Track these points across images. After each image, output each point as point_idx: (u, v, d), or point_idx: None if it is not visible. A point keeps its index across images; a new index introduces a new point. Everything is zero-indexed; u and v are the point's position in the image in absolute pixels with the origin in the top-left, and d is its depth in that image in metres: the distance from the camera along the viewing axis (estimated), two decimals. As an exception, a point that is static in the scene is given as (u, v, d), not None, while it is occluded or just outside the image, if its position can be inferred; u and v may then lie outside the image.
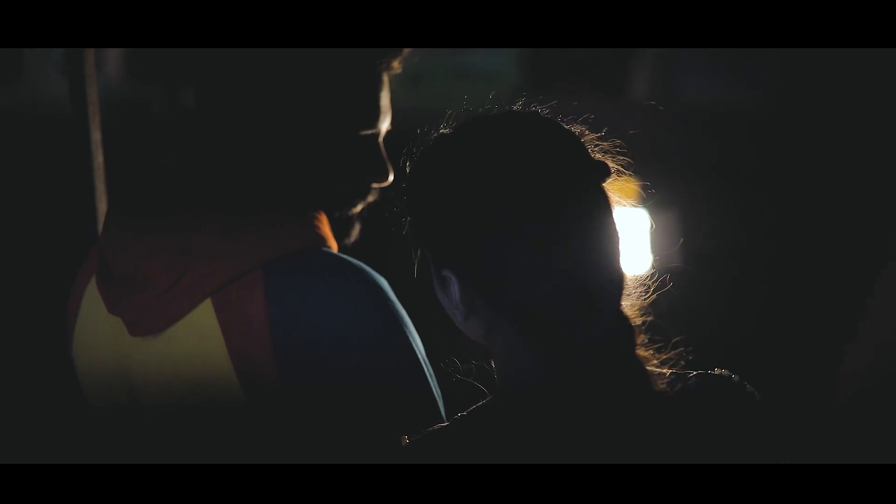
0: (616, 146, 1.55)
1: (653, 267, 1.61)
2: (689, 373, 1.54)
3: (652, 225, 1.78)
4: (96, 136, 2.14)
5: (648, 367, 1.51)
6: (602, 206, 1.51)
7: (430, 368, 1.70)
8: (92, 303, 1.81)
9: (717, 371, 1.55)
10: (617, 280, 1.51)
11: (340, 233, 1.83)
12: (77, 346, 1.85)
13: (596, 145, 1.55)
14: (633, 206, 1.61)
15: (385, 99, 1.80)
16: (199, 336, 1.67)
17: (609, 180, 1.53)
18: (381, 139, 1.81)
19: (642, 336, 1.53)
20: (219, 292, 1.66)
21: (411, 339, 1.69)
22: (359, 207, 1.83)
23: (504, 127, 1.53)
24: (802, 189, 4.69)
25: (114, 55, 8.29)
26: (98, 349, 1.79)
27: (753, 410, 1.54)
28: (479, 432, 1.51)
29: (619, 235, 1.52)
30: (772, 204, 4.71)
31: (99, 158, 2.15)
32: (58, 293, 2.03)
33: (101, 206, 2.17)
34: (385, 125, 1.81)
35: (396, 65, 1.80)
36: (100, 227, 2.17)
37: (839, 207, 4.57)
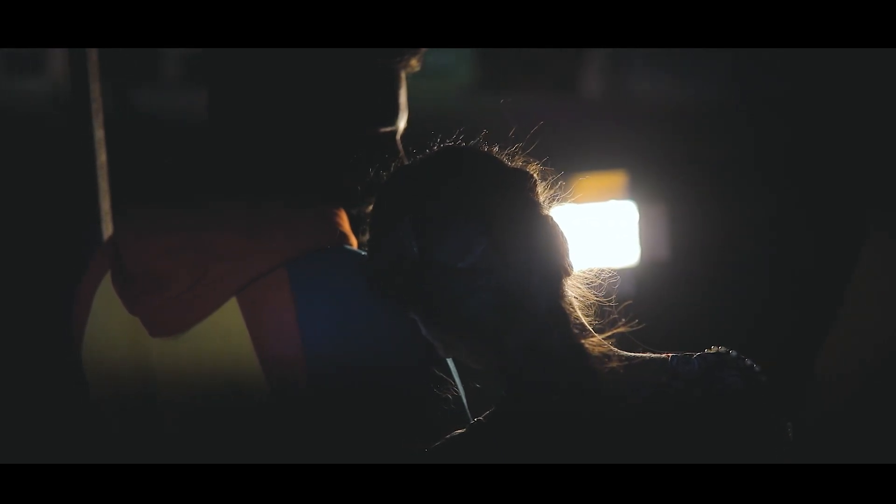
0: (528, 153, 1.62)
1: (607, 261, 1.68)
2: (692, 355, 1.60)
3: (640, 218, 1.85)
4: (99, 134, 2.12)
5: (593, 351, 1.57)
6: (526, 210, 1.60)
7: (454, 366, 1.72)
8: (105, 303, 1.78)
9: (714, 349, 1.60)
10: (551, 277, 1.59)
11: (355, 230, 1.83)
12: (88, 346, 1.82)
13: (513, 157, 1.63)
14: (618, 199, 1.65)
15: (403, 97, 1.81)
16: (224, 336, 1.65)
17: (532, 184, 1.61)
18: (398, 136, 1.82)
19: (580, 324, 1.59)
20: (243, 291, 1.65)
21: None
22: (372, 207, 1.81)
23: (409, 177, 1.64)
24: (771, 182, 4.73)
25: (60, 53, 8.16)
26: (114, 350, 1.77)
27: (756, 389, 1.59)
28: (477, 441, 1.58)
29: (554, 234, 1.60)
30: (743, 197, 4.75)
31: (102, 157, 2.13)
32: (61, 292, 2.03)
33: (105, 204, 2.15)
34: (403, 122, 1.82)
35: (415, 63, 1.81)
36: (104, 225, 2.17)
37: (810, 199, 4.61)
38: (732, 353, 1.60)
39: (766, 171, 4.80)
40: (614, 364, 1.57)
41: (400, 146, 1.82)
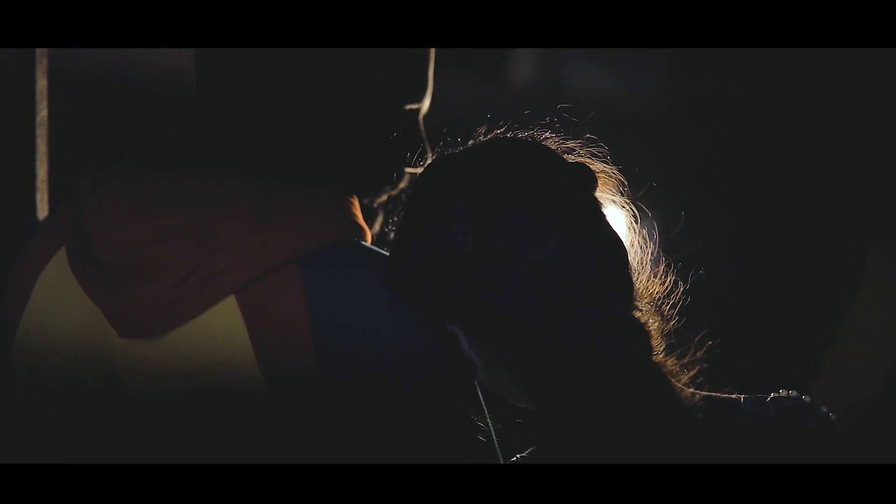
0: (594, 151, 1.58)
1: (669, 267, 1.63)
2: (765, 397, 1.58)
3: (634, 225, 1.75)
4: (42, 83, 1.84)
5: (668, 372, 1.53)
6: (594, 208, 1.55)
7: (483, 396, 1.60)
8: (52, 291, 1.61)
9: (786, 393, 1.59)
10: (626, 283, 1.53)
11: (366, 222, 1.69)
12: (25, 342, 1.65)
13: (576, 154, 1.59)
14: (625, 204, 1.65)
15: (432, 70, 1.69)
16: (217, 339, 1.50)
17: (594, 183, 1.56)
18: (421, 117, 1.70)
19: (660, 340, 1.55)
20: (246, 289, 1.49)
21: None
22: (385, 196, 1.71)
23: (459, 165, 1.56)
24: (727, 184, 4.63)
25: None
26: (63, 349, 1.61)
27: (833, 438, 1.57)
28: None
29: (620, 237, 1.56)
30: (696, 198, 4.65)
31: (43, 112, 1.86)
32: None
33: (42, 170, 1.89)
34: (427, 102, 1.70)
35: None
36: (39, 197, 1.93)
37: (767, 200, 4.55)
38: (806, 398, 1.59)
39: (718, 173, 4.70)
40: (693, 394, 1.52)
41: (422, 128, 1.69)
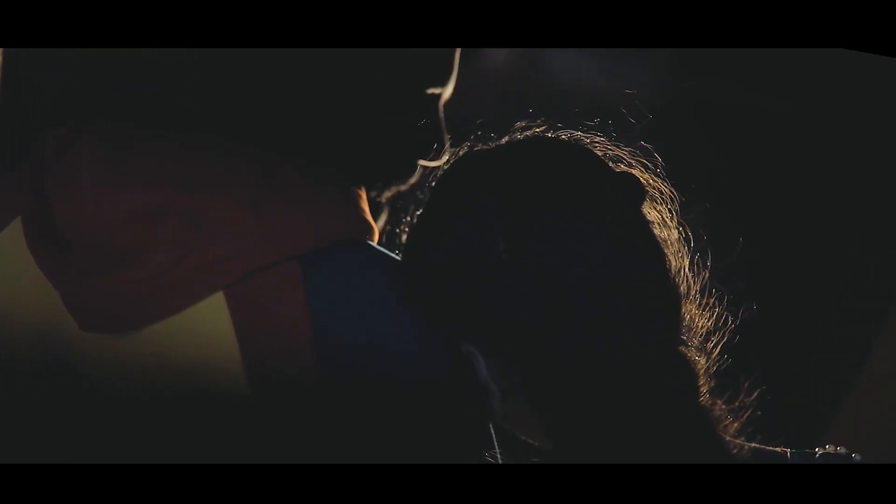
0: (642, 157, 1.53)
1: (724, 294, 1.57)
2: (814, 453, 1.53)
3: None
4: None
5: (716, 419, 1.46)
6: (643, 223, 1.49)
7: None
8: (3, 269, 1.54)
9: (833, 449, 1.54)
10: (671, 313, 1.46)
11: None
12: None
13: (624, 162, 1.54)
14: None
15: (458, 54, 1.64)
16: (198, 338, 1.43)
17: (643, 196, 1.50)
18: (442, 103, 1.64)
19: (707, 380, 1.48)
20: (238, 285, 1.42)
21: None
22: (393, 191, 1.65)
23: (491, 163, 1.50)
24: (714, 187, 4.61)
25: None
26: (14, 334, 1.53)
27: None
28: None
29: (669, 260, 1.48)
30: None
31: None
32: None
33: None
34: (451, 88, 1.64)
35: None
36: None
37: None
38: (856, 456, 1.54)
39: (725, 180, 4.68)
40: (742, 446, 1.47)
41: (442, 117, 1.62)
